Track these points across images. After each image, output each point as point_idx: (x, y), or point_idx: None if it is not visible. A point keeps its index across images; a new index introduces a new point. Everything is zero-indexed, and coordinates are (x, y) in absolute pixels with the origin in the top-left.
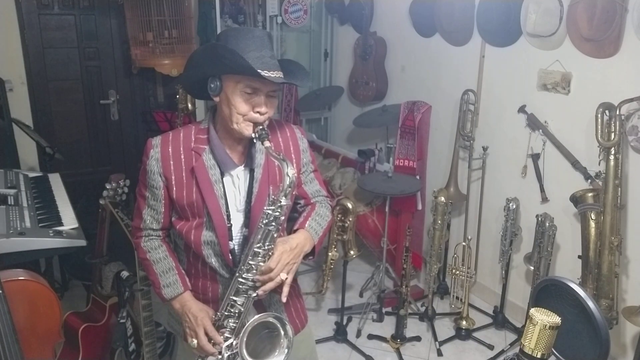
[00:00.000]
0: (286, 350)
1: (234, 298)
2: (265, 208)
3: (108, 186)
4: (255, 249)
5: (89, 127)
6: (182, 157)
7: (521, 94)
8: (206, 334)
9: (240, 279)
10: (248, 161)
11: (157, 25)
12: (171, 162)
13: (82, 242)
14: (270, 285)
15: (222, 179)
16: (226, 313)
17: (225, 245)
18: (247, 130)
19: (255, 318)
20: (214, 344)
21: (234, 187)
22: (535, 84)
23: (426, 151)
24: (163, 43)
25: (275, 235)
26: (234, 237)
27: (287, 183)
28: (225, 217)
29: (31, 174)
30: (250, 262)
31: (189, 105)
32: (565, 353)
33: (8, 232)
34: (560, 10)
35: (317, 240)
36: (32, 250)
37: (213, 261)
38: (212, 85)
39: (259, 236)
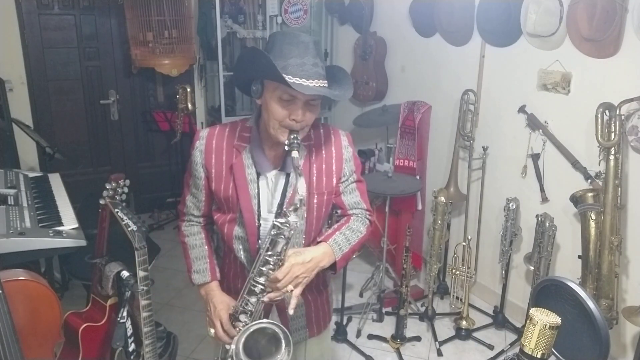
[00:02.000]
0: None
1: (247, 297)
2: (274, 220)
3: (108, 186)
4: (266, 257)
5: (89, 127)
6: (224, 152)
7: (521, 94)
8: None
9: (252, 281)
10: (284, 165)
11: (157, 25)
12: (213, 156)
13: (82, 242)
14: (274, 295)
15: (257, 179)
16: (241, 309)
17: (253, 243)
18: (283, 136)
19: (255, 323)
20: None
21: (268, 189)
22: (535, 84)
23: (426, 151)
24: (163, 43)
25: (284, 247)
26: (262, 237)
27: (296, 200)
28: (255, 216)
29: (31, 174)
30: (262, 268)
31: (189, 105)
32: (565, 353)
33: (8, 232)
34: (560, 10)
35: (339, 256)
36: (32, 250)
37: (242, 255)
38: (254, 88)
39: (268, 244)
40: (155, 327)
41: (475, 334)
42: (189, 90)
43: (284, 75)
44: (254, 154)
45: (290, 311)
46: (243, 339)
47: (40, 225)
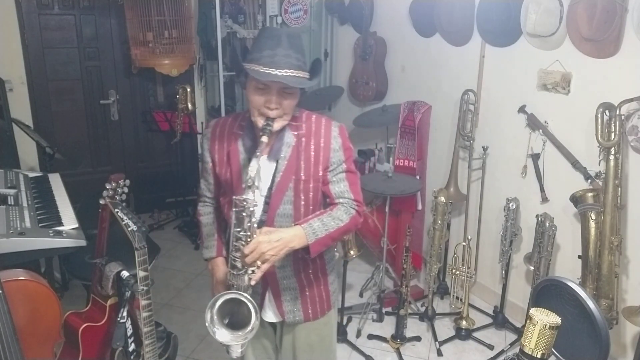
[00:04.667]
0: (245, 337)
1: (232, 271)
2: (234, 197)
3: (108, 186)
4: (236, 234)
5: (89, 127)
6: (225, 139)
7: (521, 94)
8: None
9: (231, 256)
10: (273, 153)
11: (157, 25)
12: (216, 142)
13: (82, 242)
14: (256, 275)
15: (249, 164)
16: (229, 283)
17: None
18: (259, 122)
19: (227, 292)
20: None
21: (258, 175)
22: (535, 84)
23: (426, 151)
24: (163, 43)
25: (248, 223)
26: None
27: (245, 178)
28: (233, 199)
29: (31, 174)
30: (235, 244)
31: (189, 105)
32: (565, 353)
33: (8, 232)
34: (560, 10)
35: (312, 240)
36: (32, 250)
37: None
38: (241, 80)
39: (234, 221)
40: (155, 327)
41: (475, 334)
42: (189, 90)
43: (256, 65)
44: (245, 140)
45: (252, 282)
46: (215, 308)
47: (40, 225)
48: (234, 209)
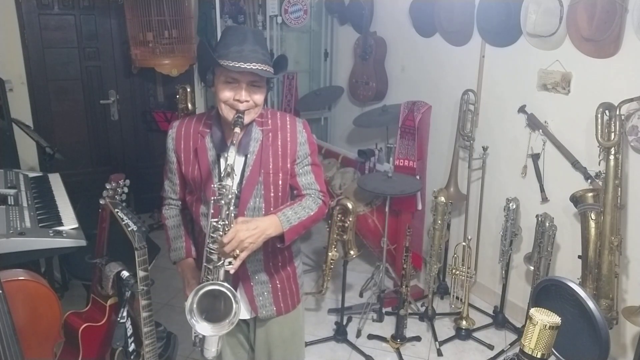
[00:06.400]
0: (231, 323)
1: (207, 265)
2: (212, 185)
3: (108, 186)
4: (213, 223)
5: (89, 127)
6: (191, 137)
7: (521, 94)
8: None
9: (207, 249)
10: (242, 147)
11: (157, 25)
12: (182, 141)
13: (82, 242)
14: (233, 265)
15: (218, 160)
16: (204, 279)
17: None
18: (229, 115)
19: (208, 283)
20: None
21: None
22: (535, 84)
23: (426, 151)
24: (163, 43)
25: (227, 212)
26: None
27: (226, 166)
28: (212, 187)
29: (31, 174)
30: (212, 235)
31: (189, 105)
32: (565, 353)
33: (8, 232)
34: (560, 10)
35: (287, 227)
36: (32, 250)
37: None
38: (208, 77)
39: (212, 211)
40: (155, 327)
41: (475, 334)
42: (189, 90)
43: (225, 60)
44: (214, 137)
45: (231, 270)
46: (197, 299)
47: (40, 225)
48: (212, 198)
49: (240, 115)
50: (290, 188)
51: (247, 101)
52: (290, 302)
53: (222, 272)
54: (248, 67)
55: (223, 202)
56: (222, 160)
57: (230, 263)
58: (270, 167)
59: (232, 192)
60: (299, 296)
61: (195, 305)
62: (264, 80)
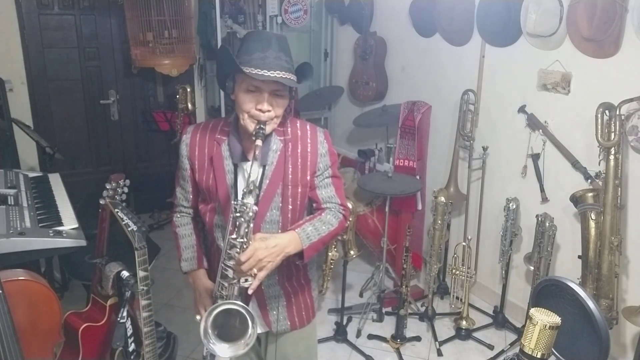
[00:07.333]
0: (246, 344)
1: (221, 281)
2: (232, 202)
3: (108, 186)
4: (232, 240)
5: (89, 127)
6: (207, 145)
7: (521, 94)
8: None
9: (223, 265)
10: (260, 158)
11: (157, 25)
12: (197, 148)
13: (82, 242)
14: (251, 283)
15: (235, 170)
16: (218, 294)
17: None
18: (251, 126)
19: (222, 303)
20: None
21: (244, 180)
22: (535, 84)
23: (426, 151)
24: (163, 43)
25: (246, 229)
26: None
27: (249, 183)
28: (232, 204)
29: (31, 174)
30: (229, 252)
31: (189, 105)
32: (565, 353)
33: (8, 232)
34: (560, 10)
35: (307, 245)
36: (32, 250)
37: (222, 243)
38: (228, 85)
39: (231, 227)
40: (155, 327)
41: (475, 334)
42: (189, 90)
43: (248, 67)
44: (231, 145)
45: (250, 291)
46: (210, 319)
47: (40, 225)
48: (231, 215)
49: (262, 126)
50: (308, 200)
51: (269, 110)
52: (305, 315)
53: (236, 288)
54: (272, 75)
55: (243, 219)
56: (239, 172)
57: (246, 280)
58: (290, 179)
59: (253, 210)
60: (314, 310)
61: (209, 326)
62: (287, 89)
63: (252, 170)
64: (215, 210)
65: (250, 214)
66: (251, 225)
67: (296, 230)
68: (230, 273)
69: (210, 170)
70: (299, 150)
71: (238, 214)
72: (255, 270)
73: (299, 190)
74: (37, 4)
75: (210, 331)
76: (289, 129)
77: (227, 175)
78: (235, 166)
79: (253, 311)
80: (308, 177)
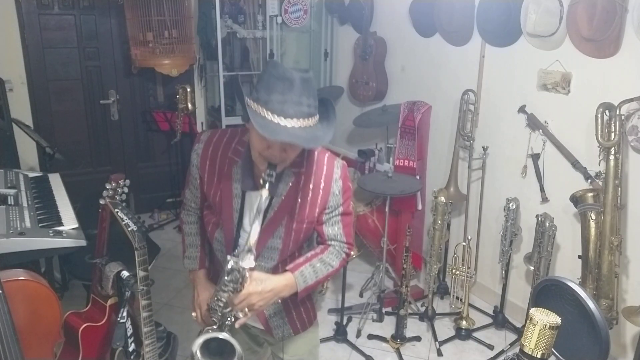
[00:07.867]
0: None
1: (213, 307)
2: (229, 256)
3: (108, 186)
4: (226, 281)
5: (89, 127)
6: (218, 161)
7: (521, 94)
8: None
9: (217, 293)
10: (270, 188)
11: (157, 25)
12: (207, 162)
13: (82, 242)
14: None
15: (243, 195)
16: (213, 305)
17: (229, 250)
18: (262, 165)
19: (206, 335)
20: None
21: (249, 209)
22: (535, 84)
23: (426, 151)
24: (163, 43)
25: (240, 279)
26: (239, 245)
27: (245, 241)
28: (234, 228)
29: (31, 174)
30: (223, 287)
31: (189, 105)
32: (565, 353)
33: (8, 232)
34: (560, 10)
35: (302, 287)
36: (32, 250)
37: (219, 255)
38: (242, 115)
39: (226, 275)
40: (155, 327)
41: (475, 334)
42: (189, 90)
43: (266, 109)
44: (242, 170)
45: (236, 325)
46: (201, 342)
47: (40, 225)
48: (227, 266)
49: (271, 171)
50: (313, 230)
51: (280, 159)
52: (306, 319)
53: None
54: (288, 125)
55: (239, 274)
56: (247, 198)
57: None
58: (297, 213)
59: (246, 273)
60: (315, 312)
61: (199, 352)
62: None
63: (252, 230)
64: (217, 226)
65: (246, 275)
66: (246, 275)
67: (294, 273)
68: (222, 303)
69: (218, 189)
70: (311, 186)
71: (234, 272)
72: (246, 310)
73: (304, 226)
74: (37, 4)
75: (199, 354)
76: (305, 160)
77: (234, 200)
78: (243, 193)
79: (253, 318)
80: (316, 215)
